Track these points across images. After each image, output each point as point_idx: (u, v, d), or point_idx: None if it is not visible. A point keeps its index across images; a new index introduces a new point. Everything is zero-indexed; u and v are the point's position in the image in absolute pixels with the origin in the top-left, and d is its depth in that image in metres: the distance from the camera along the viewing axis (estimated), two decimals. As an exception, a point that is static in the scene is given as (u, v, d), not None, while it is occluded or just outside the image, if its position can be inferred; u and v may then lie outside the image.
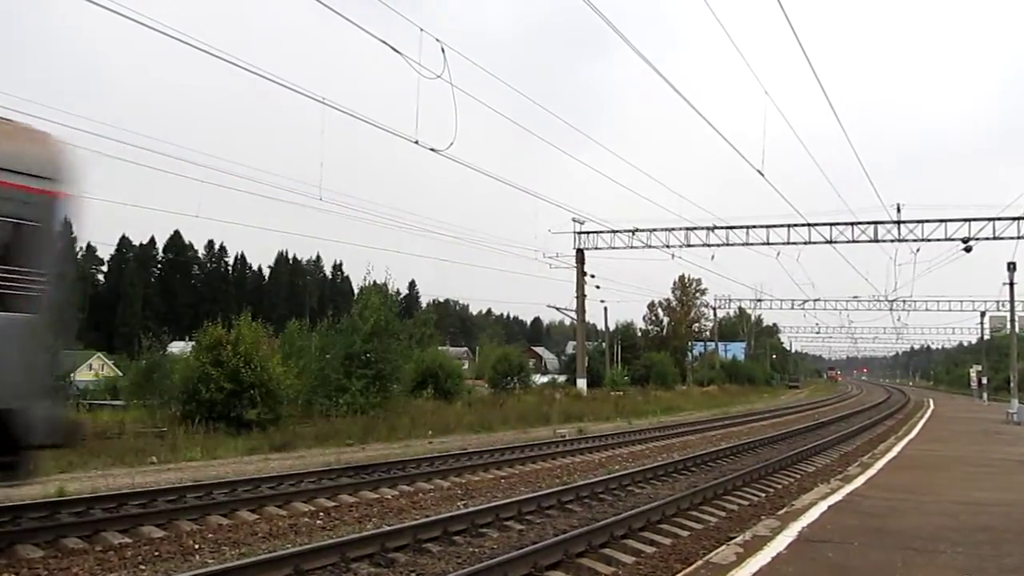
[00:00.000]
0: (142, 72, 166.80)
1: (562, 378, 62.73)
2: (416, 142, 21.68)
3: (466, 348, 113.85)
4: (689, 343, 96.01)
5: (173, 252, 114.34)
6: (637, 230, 46.44)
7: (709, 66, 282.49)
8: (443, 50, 17.88)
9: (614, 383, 55.60)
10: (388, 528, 10.44)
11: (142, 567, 8.95)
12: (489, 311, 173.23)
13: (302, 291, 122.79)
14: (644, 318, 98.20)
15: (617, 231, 47.05)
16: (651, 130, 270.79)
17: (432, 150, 21.80)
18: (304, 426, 24.27)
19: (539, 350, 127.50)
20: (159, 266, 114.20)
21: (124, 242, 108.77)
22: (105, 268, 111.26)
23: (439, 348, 47.28)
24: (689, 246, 46.33)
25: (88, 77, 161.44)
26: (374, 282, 32.90)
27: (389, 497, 14.00)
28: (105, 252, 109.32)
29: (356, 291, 40.07)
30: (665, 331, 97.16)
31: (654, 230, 46.19)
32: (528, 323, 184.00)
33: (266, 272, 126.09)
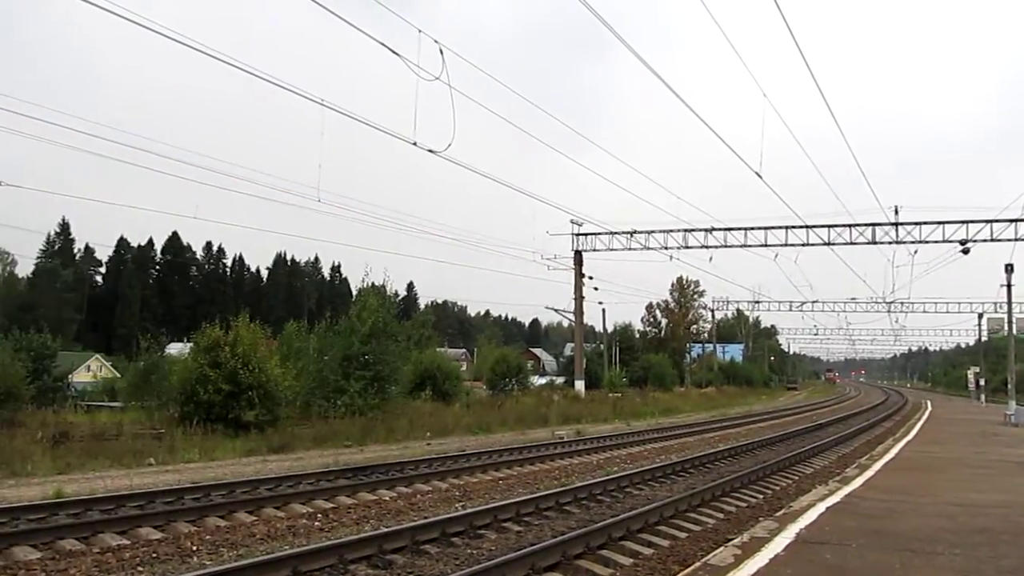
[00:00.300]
0: (139, 73, 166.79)
1: (560, 380, 62.73)
2: (414, 144, 21.68)
3: (464, 350, 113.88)
4: (687, 345, 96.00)
5: (171, 253, 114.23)
6: (635, 232, 46.44)
7: (707, 69, 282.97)
8: (441, 52, 17.88)
9: (612, 385, 55.59)
10: (386, 529, 10.43)
11: (140, 568, 8.94)
12: (487, 313, 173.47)
13: (300, 292, 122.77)
14: (642, 319, 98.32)
15: (615, 233, 47.05)
16: (649, 132, 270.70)
17: (430, 151, 21.78)
18: (302, 427, 24.26)
19: (537, 352, 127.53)
20: (157, 267, 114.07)
21: (122, 243, 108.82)
22: (103, 269, 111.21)
23: (437, 350, 47.27)
24: (687, 248, 46.34)
25: (84, 77, 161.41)
26: (372, 283, 32.93)
27: (387, 499, 14.00)
28: (103, 253, 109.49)
29: (354, 292, 40.07)
30: (663, 333, 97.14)
31: (652, 232, 46.21)
32: (526, 325, 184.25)
33: (264, 273, 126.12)
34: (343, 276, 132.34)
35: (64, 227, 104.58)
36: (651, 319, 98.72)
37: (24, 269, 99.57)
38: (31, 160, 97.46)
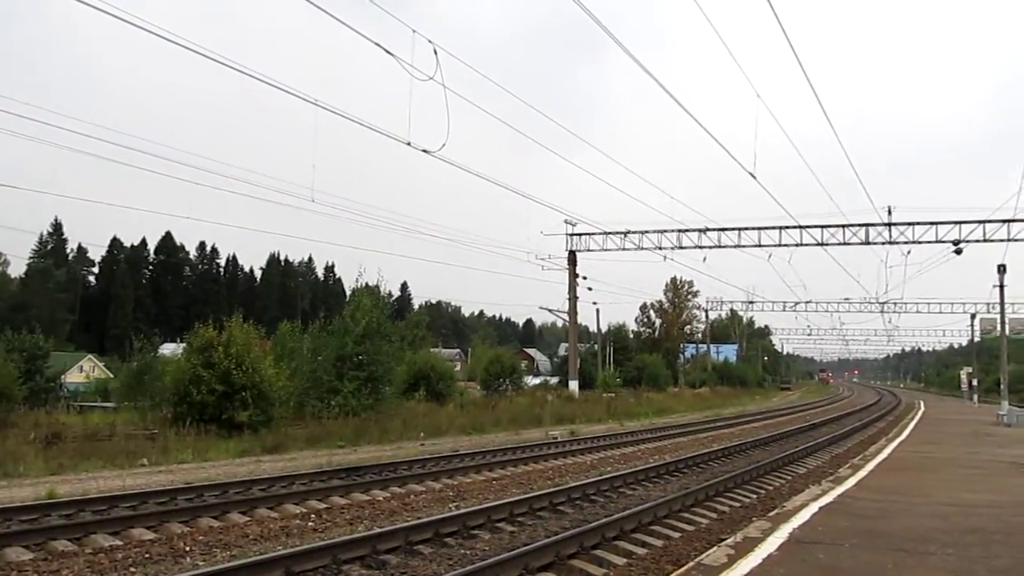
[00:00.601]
0: (133, 73, 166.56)
1: (554, 380, 62.74)
2: (408, 144, 21.65)
3: (458, 350, 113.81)
4: (681, 345, 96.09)
5: (164, 254, 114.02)
6: (629, 232, 46.47)
7: (702, 69, 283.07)
8: (435, 52, 17.87)
9: (606, 385, 55.62)
10: (380, 530, 10.42)
11: (133, 569, 8.92)
12: (481, 313, 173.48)
13: (294, 293, 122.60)
14: (636, 320, 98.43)
15: (609, 233, 47.08)
16: (643, 132, 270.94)
17: (424, 151, 21.76)
18: (296, 428, 24.23)
19: (531, 352, 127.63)
20: (150, 268, 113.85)
21: (115, 243, 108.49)
22: (96, 270, 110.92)
23: (431, 350, 47.28)
24: (681, 248, 46.35)
25: (80, 78, 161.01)
26: (366, 284, 32.93)
27: (381, 499, 13.99)
28: (96, 253, 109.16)
29: (348, 293, 40.04)
30: (657, 333, 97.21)
31: (646, 232, 46.22)
32: (520, 325, 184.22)
33: (258, 274, 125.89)
34: (337, 276, 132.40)
35: (57, 227, 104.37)
36: (645, 319, 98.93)
37: (16, 269, 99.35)
38: (25, 160, 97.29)
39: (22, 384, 27.90)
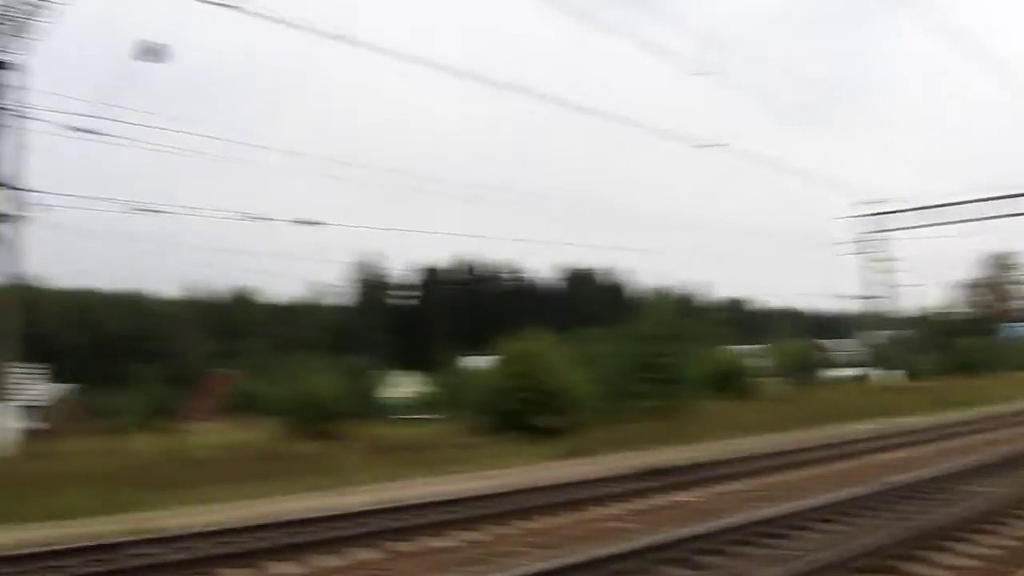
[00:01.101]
0: (429, 107, 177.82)
1: (866, 370, 59.17)
2: (702, 145, 21.38)
3: (759, 345, 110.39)
4: (1009, 324, 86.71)
5: (471, 273, 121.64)
6: (938, 205, 42.86)
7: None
8: (708, 45, 17.60)
9: (924, 373, 51.61)
10: (694, 531, 10.28)
11: (458, 568, 9.47)
12: (782, 305, 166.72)
13: (593, 300, 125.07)
14: (957, 301, 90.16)
15: (917, 208, 43.72)
16: (940, 91, 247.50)
17: (712, 146, 21.42)
18: (600, 432, 24.71)
19: (836, 342, 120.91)
20: (461, 287, 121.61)
21: (424, 267, 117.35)
22: (411, 293, 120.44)
23: (730, 347, 46.42)
24: (999, 217, 41.95)
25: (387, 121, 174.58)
26: (662, 287, 33.07)
27: (691, 500, 13.92)
28: (409, 278, 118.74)
29: (648, 297, 40.34)
30: (982, 313, 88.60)
31: (957, 204, 42.34)
32: (824, 314, 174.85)
33: (559, 284, 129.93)
34: (634, 281, 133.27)
35: (374, 257, 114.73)
36: (968, 300, 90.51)
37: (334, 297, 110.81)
38: (329, 198, 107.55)
39: (354, 402, 30.86)
